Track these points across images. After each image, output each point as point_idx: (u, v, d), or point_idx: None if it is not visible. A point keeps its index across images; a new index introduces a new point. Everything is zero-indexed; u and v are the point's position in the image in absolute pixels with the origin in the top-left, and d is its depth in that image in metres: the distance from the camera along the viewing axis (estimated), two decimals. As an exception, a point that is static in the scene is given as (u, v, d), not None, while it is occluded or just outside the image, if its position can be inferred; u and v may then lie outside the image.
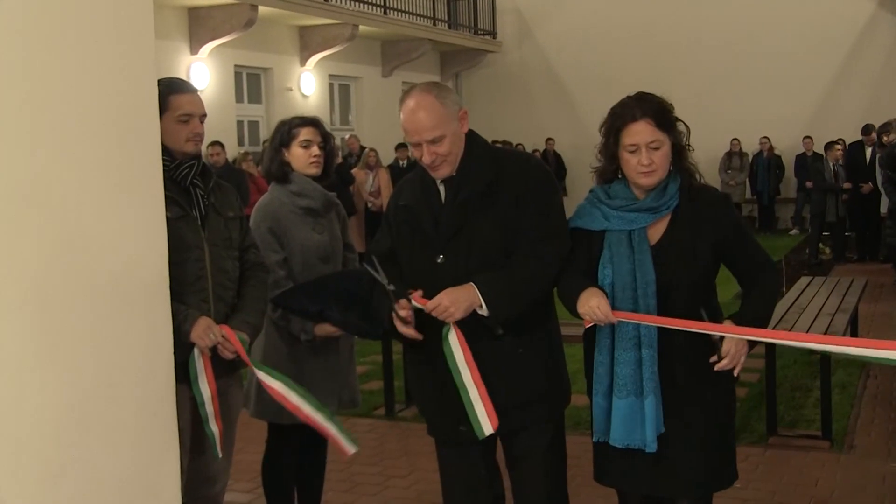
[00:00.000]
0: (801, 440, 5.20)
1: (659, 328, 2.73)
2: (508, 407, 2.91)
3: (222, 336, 3.02)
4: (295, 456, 3.77)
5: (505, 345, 2.90)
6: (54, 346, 2.29)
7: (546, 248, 2.90)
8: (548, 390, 3.02)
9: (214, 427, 3.03)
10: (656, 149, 2.74)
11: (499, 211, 2.89)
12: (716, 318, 2.77)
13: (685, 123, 2.86)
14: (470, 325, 2.86)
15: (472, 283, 2.84)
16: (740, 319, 2.73)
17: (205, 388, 3.01)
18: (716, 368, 2.69)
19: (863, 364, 6.83)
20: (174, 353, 2.71)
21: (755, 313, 2.78)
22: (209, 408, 3.02)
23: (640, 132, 2.74)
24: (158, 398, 2.61)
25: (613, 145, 2.80)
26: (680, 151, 2.82)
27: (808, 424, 5.50)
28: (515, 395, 2.93)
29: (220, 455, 3.07)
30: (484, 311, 2.85)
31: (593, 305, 2.72)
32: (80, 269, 2.35)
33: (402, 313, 2.89)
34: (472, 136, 2.99)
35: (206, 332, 2.98)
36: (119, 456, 2.46)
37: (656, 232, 2.81)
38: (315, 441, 3.86)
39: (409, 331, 2.91)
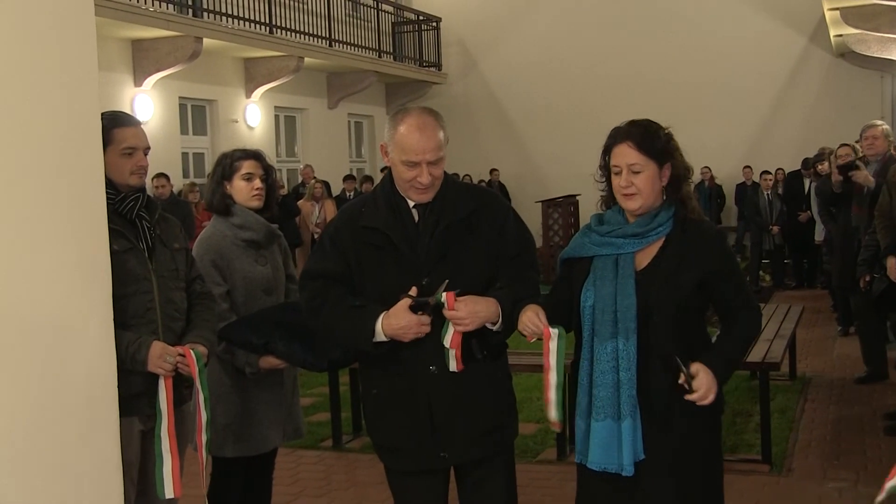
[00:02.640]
0: (742, 464, 5.30)
1: (638, 352, 2.72)
2: (489, 429, 2.95)
3: (179, 355, 3.01)
4: (240, 489, 3.74)
5: (486, 368, 2.93)
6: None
7: (532, 273, 3.02)
8: (514, 416, 3.09)
9: (168, 467, 3.00)
10: (637, 172, 2.80)
11: (479, 239, 2.95)
12: (697, 352, 2.74)
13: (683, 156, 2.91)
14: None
15: (494, 300, 2.87)
16: (711, 362, 2.72)
17: (164, 433, 2.99)
18: (685, 397, 2.69)
19: (800, 389, 7.00)
20: (129, 383, 2.69)
21: (727, 355, 2.80)
22: (165, 445, 2.99)
23: (622, 154, 2.82)
24: (101, 433, 2.58)
25: (605, 166, 2.91)
26: (676, 182, 2.87)
27: (748, 448, 5.62)
28: (494, 418, 2.97)
29: (171, 495, 3.02)
30: (496, 328, 2.88)
31: (525, 320, 2.80)
32: (19, 304, 2.33)
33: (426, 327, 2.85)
34: None
35: (160, 358, 2.97)
36: (60, 490, 2.43)
37: (644, 258, 2.84)
38: (260, 473, 3.84)
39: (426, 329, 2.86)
